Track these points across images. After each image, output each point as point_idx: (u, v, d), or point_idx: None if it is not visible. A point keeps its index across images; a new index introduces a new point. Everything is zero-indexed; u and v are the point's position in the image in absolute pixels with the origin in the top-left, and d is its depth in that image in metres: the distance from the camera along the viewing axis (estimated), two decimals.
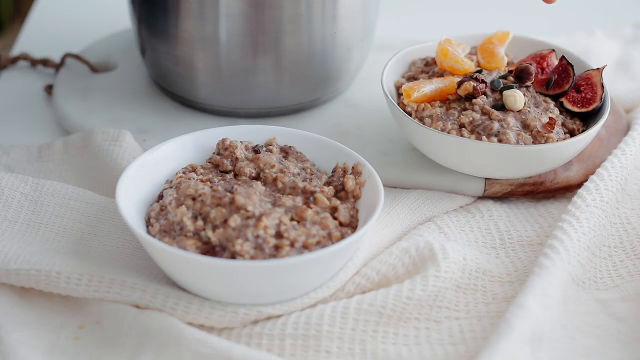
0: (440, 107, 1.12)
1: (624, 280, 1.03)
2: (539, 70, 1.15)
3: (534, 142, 1.08)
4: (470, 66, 1.15)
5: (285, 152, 1.07)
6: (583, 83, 1.13)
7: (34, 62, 1.36)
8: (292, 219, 0.97)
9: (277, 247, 0.94)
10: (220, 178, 1.03)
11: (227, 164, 1.05)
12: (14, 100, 1.30)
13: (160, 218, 0.98)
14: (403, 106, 1.14)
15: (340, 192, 1.03)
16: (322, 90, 1.25)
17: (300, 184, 1.02)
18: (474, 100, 1.10)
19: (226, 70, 1.19)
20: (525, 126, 1.09)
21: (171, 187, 1.01)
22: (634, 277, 1.03)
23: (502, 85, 1.12)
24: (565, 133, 1.10)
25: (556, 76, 1.14)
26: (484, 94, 1.11)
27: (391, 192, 1.13)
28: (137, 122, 1.22)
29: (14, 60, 1.36)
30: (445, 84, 1.13)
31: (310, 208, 0.99)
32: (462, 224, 1.10)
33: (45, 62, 1.35)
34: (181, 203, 0.98)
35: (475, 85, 1.10)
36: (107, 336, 0.94)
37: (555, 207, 1.13)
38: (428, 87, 1.13)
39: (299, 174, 1.04)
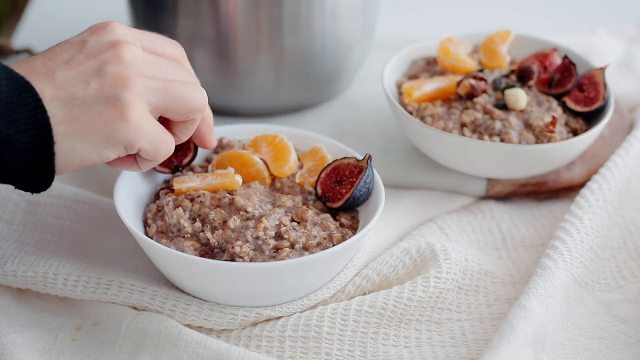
0: (441, 106, 1.11)
1: (627, 282, 1.02)
2: (542, 69, 1.15)
3: (536, 142, 1.07)
4: (471, 65, 1.15)
5: None
6: (586, 82, 1.13)
7: None
8: (292, 220, 0.97)
9: (277, 249, 0.94)
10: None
11: None
12: None
13: (157, 219, 0.98)
14: (404, 105, 1.13)
15: None
16: (323, 90, 1.25)
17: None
18: (475, 99, 1.10)
19: (225, 69, 1.19)
20: (528, 126, 1.08)
21: (167, 188, 1.01)
22: (637, 278, 1.03)
23: (504, 85, 1.12)
24: (568, 132, 1.10)
25: (559, 75, 1.13)
26: (484, 92, 1.11)
27: (392, 192, 1.12)
28: None
29: (17, 53, 1.36)
30: (447, 83, 1.13)
31: (310, 208, 0.98)
32: (464, 224, 1.09)
33: None
34: (178, 204, 0.97)
35: (473, 83, 1.10)
36: (104, 338, 0.94)
37: (558, 208, 1.12)
38: (429, 86, 1.12)
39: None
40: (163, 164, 1.02)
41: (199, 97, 0.91)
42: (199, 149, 1.04)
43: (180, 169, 1.02)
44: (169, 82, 0.90)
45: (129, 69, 0.88)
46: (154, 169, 1.02)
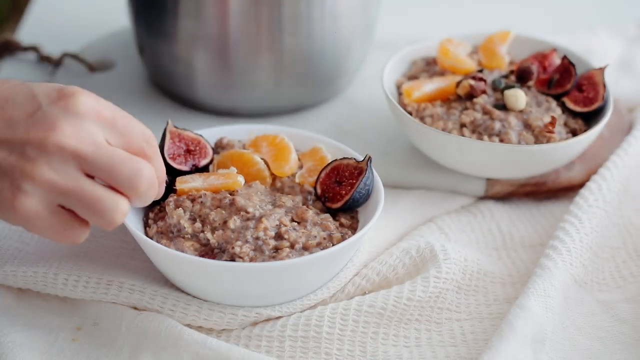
0: (441, 106, 1.11)
1: (626, 282, 1.02)
2: (541, 69, 1.15)
3: (535, 142, 1.07)
4: (471, 65, 1.15)
5: None
6: (585, 82, 1.13)
7: (42, 57, 1.36)
8: (292, 220, 0.97)
9: (277, 249, 0.93)
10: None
11: None
12: None
13: (157, 219, 0.98)
14: (404, 105, 1.13)
15: None
16: (322, 90, 1.25)
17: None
18: (475, 99, 1.10)
19: (225, 69, 1.19)
20: (527, 126, 1.08)
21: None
22: (636, 278, 1.02)
23: (503, 85, 1.12)
24: (567, 133, 1.10)
25: (558, 75, 1.13)
26: (484, 92, 1.11)
27: (392, 192, 1.12)
28: None
29: (25, 49, 1.36)
30: (446, 83, 1.13)
31: (310, 209, 0.98)
32: (464, 224, 1.09)
33: (49, 59, 1.35)
34: (179, 205, 0.97)
35: (473, 84, 1.10)
36: (104, 338, 0.94)
37: (558, 208, 1.12)
38: (429, 86, 1.12)
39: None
40: (179, 162, 1.01)
41: (111, 215, 0.86)
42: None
43: (199, 168, 1.02)
44: (84, 188, 0.84)
45: (47, 158, 0.83)
46: (171, 166, 1.01)
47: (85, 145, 0.84)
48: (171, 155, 1.01)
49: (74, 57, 1.32)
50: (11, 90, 0.86)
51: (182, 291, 0.96)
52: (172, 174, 1.01)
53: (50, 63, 1.35)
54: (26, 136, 0.84)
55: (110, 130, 0.87)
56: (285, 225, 0.95)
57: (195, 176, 1.00)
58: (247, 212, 0.95)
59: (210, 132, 1.07)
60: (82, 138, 0.84)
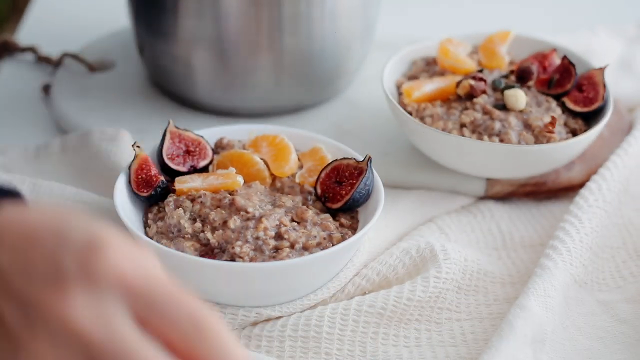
0: (441, 106, 1.11)
1: (626, 282, 1.02)
2: (541, 69, 1.15)
3: (535, 142, 1.07)
4: (471, 66, 1.15)
5: None
6: (585, 82, 1.13)
7: (40, 58, 1.36)
8: (292, 220, 0.97)
9: (277, 249, 0.94)
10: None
11: None
12: (11, 99, 1.29)
13: (157, 219, 0.98)
14: (404, 106, 1.13)
15: None
16: (322, 90, 1.25)
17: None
18: (475, 99, 1.10)
19: (225, 69, 1.19)
20: (527, 126, 1.08)
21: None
22: (636, 279, 1.02)
23: (503, 85, 1.12)
24: (567, 133, 1.10)
25: (558, 75, 1.13)
26: (484, 92, 1.11)
27: (391, 192, 1.12)
28: (136, 121, 1.21)
29: (22, 50, 1.36)
30: (446, 83, 1.13)
31: (310, 209, 0.98)
32: (464, 224, 1.09)
33: (48, 60, 1.35)
34: (179, 205, 0.97)
35: (473, 84, 1.10)
36: None
37: (558, 208, 1.12)
38: (429, 86, 1.12)
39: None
40: (178, 163, 1.01)
41: None
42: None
43: (197, 169, 1.02)
44: None
45: (48, 333, 0.61)
46: (168, 166, 1.01)
47: (94, 329, 0.61)
48: (170, 156, 1.01)
49: (74, 57, 1.32)
50: (43, 224, 0.64)
51: None
52: (171, 174, 1.01)
53: (49, 63, 1.35)
54: (37, 295, 0.62)
55: (141, 305, 0.63)
56: (285, 225, 0.95)
57: (195, 176, 1.00)
58: (247, 212, 0.95)
59: (210, 132, 1.07)
60: (92, 318, 0.61)
